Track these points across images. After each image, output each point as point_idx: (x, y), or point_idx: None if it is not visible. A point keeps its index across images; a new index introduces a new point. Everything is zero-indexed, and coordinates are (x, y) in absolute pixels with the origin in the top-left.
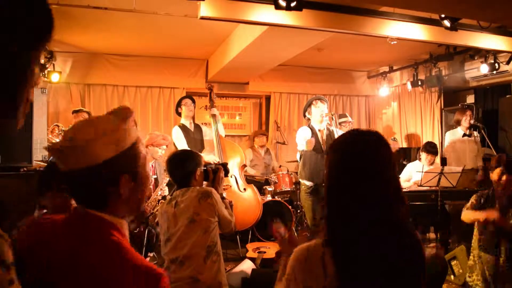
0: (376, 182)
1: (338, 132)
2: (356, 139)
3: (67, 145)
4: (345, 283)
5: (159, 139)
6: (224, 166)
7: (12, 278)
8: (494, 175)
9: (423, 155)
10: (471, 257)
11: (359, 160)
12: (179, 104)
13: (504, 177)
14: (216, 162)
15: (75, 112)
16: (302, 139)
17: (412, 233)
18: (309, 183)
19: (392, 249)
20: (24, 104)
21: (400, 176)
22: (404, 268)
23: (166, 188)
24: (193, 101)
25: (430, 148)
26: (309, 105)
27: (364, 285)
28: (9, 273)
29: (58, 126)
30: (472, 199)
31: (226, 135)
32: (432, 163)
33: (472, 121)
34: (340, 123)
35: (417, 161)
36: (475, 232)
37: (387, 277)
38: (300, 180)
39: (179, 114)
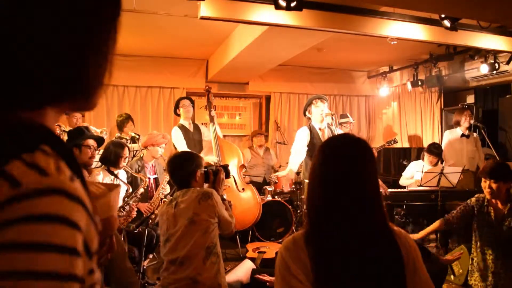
0: (357, 190)
1: (338, 132)
2: (342, 145)
3: None
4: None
5: (158, 138)
6: (225, 168)
7: (93, 267)
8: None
9: (426, 155)
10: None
11: (342, 165)
12: (177, 105)
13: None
14: (215, 162)
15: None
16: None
17: (391, 241)
18: None
19: (365, 254)
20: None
21: (403, 174)
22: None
23: (168, 186)
24: (192, 102)
25: (434, 149)
26: (309, 104)
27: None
28: (91, 262)
29: (59, 126)
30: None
31: (226, 135)
32: (435, 164)
33: (472, 122)
34: (341, 123)
35: (420, 160)
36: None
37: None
38: (305, 181)
39: (178, 115)
